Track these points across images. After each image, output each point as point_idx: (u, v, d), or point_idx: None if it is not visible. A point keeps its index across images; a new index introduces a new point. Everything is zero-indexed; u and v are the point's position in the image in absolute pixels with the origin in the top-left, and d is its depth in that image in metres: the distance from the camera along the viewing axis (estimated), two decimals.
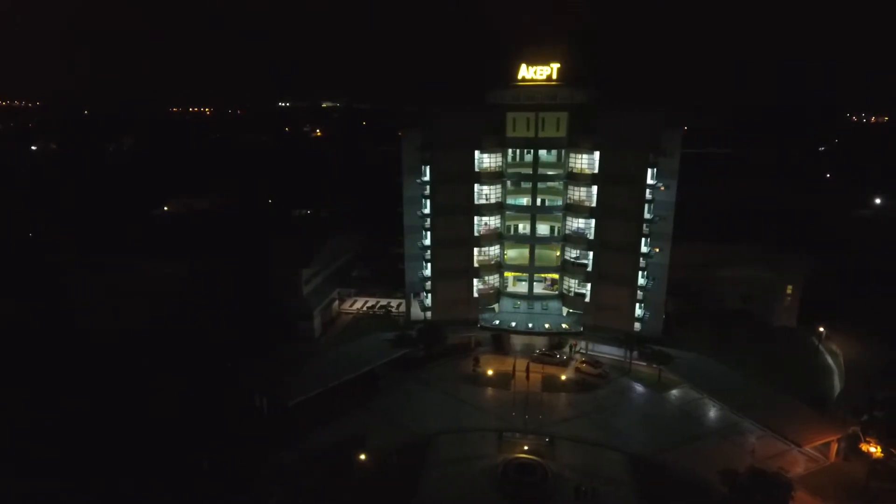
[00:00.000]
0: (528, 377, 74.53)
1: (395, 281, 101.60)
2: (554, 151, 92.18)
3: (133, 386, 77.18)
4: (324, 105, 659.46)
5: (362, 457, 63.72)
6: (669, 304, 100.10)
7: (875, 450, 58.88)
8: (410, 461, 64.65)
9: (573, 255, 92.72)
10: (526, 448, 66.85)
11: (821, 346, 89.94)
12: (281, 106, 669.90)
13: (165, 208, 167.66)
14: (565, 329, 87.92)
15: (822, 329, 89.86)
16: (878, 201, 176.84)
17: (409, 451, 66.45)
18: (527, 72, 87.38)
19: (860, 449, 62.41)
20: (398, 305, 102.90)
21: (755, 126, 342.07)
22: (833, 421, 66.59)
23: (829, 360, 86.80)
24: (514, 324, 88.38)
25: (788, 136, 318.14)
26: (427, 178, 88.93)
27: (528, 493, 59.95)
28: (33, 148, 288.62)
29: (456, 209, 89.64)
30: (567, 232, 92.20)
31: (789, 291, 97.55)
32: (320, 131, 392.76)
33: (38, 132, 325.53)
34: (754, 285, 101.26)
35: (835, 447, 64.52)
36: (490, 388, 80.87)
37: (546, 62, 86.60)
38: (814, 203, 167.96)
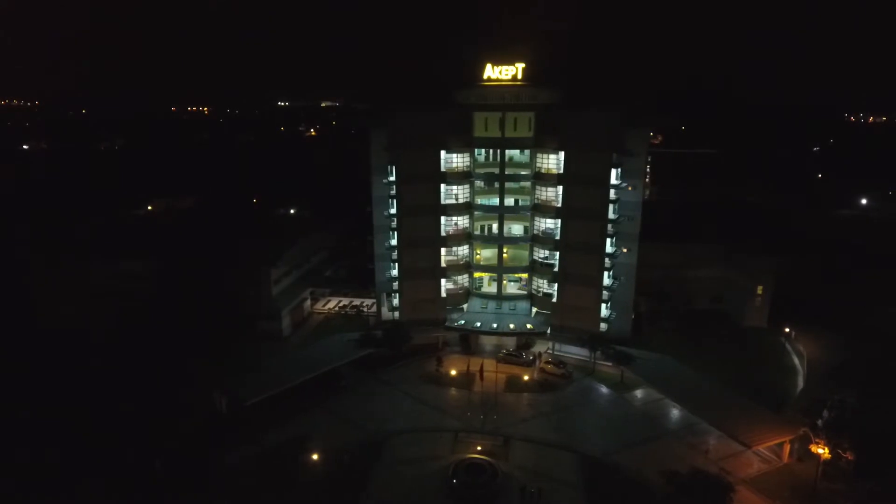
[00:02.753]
0: (481, 377, 74.40)
1: (368, 281, 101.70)
2: (527, 151, 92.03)
3: (92, 385, 77.26)
4: (323, 105, 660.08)
5: (314, 457, 63.87)
6: (642, 305, 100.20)
7: (823, 451, 58.67)
8: (363, 461, 64.71)
9: (542, 256, 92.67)
10: (479, 448, 66.82)
11: (788, 347, 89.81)
12: (280, 105, 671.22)
13: (149, 207, 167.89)
14: (529, 329, 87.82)
15: (787, 329, 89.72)
16: (863, 202, 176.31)
17: (362, 451, 66.47)
18: (492, 72, 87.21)
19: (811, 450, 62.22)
20: (371, 305, 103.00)
21: (749, 126, 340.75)
22: (788, 422, 66.56)
23: (795, 360, 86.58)
24: (478, 324, 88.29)
25: (783, 136, 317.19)
26: (393, 177, 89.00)
27: (476, 494, 59.88)
28: (25, 147, 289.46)
29: (422, 209, 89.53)
30: (535, 232, 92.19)
31: (759, 292, 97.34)
32: (314, 131, 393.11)
33: (31, 131, 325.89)
34: (725, 285, 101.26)
35: (787, 448, 64.45)
36: (453, 389, 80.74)
37: (511, 62, 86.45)
38: (796, 203, 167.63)
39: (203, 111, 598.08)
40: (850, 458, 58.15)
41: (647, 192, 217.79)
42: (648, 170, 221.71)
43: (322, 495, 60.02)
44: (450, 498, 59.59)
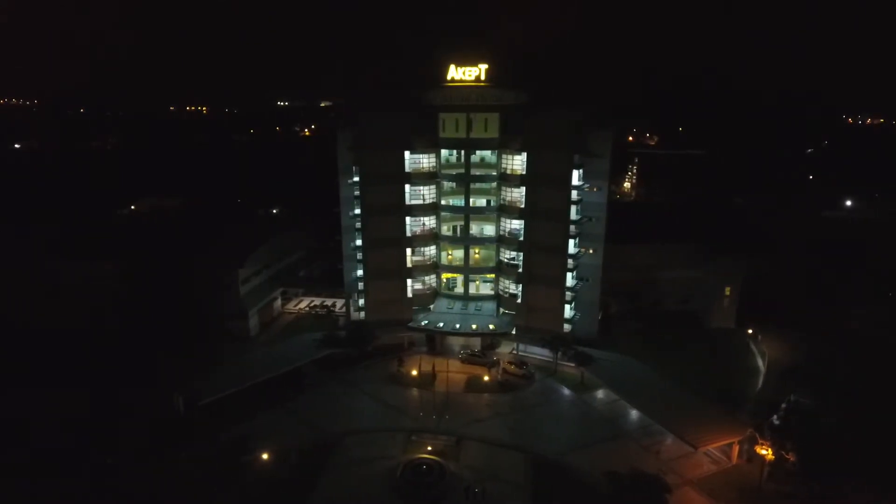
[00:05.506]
0: (433, 377, 74.45)
1: (339, 281, 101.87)
2: (496, 152, 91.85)
3: (53, 383, 77.73)
4: (322, 104, 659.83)
5: (266, 456, 64.04)
6: (613, 305, 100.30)
7: (766, 452, 58.72)
8: (315, 461, 64.93)
9: (508, 256, 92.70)
10: (430, 449, 66.94)
11: (753, 348, 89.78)
12: (280, 105, 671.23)
13: (133, 207, 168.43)
14: (492, 330, 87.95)
15: (750, 331, 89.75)
16: (848, 203, 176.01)
17: (315, 451, 66.74)
18: (456, 73, 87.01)
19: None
20: (342, 305, 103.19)
21: (747, 127, 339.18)
22: (737, 423, 66.62)
23: (759, 361, 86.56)
24: (441, 324, 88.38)
25: (781, 137, 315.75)
26: (357, 178, 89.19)
27: (422, 494, 60.07)
28: (17, 146, 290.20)
29: (387, 210, 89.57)
30: (502, 233, 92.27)
31: (727, 293, 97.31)
32: (309, 131, 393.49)
33: (26, 130, 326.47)
34: (695, 286, 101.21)
35: (736, 449, 64.51)
36: (414, 389, 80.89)
37: (474, 63, 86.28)
38: (781, 205, 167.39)
39: (202, 111, 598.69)
40: (791, 459, 58.07)
41: (634, 193, 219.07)
42: (635, 170, 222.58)
43: (272, 494, 60.28)
44: (399, 498, 59.81)
